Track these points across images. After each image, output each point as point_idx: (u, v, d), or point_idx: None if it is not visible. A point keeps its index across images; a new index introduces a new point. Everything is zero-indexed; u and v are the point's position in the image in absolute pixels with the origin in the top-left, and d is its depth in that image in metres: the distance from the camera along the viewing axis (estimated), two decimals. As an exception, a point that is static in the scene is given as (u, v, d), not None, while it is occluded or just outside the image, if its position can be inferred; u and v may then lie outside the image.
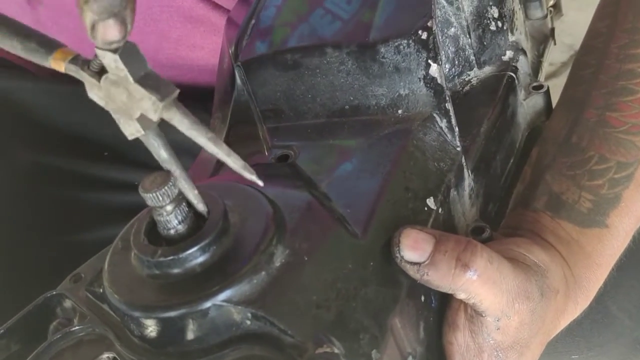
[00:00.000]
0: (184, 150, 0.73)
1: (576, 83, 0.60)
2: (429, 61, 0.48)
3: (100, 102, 0.35)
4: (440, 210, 0.47)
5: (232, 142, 0.54)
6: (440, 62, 0.48)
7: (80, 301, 0.44)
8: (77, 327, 0.43)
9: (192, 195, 0.39)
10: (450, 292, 0.43)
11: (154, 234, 0.40)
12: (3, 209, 0.68)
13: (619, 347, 0.73)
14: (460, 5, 0.55)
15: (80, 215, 0.69)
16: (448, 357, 0.46)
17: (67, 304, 0.45)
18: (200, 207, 0.39)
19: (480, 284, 0.42)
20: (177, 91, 0.34)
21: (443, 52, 0.55)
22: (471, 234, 0.50)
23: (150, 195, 0.38)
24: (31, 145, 0.72)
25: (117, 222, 0.43)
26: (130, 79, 0.33)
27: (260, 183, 0.38)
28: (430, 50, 0.48)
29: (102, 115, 0.74)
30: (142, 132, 0.35)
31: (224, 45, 0.56)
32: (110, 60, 0.33)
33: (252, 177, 0.37)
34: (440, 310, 0.47)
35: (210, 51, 0.70)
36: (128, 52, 0.33)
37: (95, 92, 0.35)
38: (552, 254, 0.49)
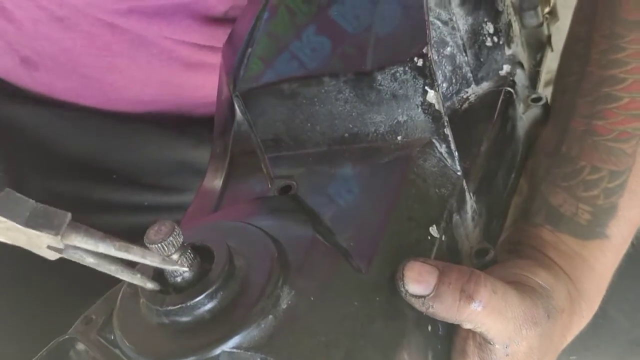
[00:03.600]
0: (191, 169, 0.74)
1: (561, 91, 0.60)
2: (426, 87, 0.48)
3: (8, 242, 0.34)
4: (443, 237, 0.48)
5: (233, 172, 0.54)
6: (437, 89, 0.48)
7: (93, 345, 0.44)
8: None
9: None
10: (456, 322, 0.44)
11: (161, 280, 0.41)
12: None
13: (616, 347, 0.74)
14: (455, 25, 0.55)
15: None
16: None
17: (80, 346, 0.45)
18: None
19: (485, 314, 0.43)
20: (69, 215, 0.34)
21: (440, 73, 0.55)
22: (475, 257, 0.51)
23: (156, 246, 0.38)
24: (40, 170, 0.73)
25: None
26: (19, 226, 0.33)
27: (185, 268, 0.39)
28: (427, 76, 0.48)
29: (109, 138, 0.74)
30: (60, 255, 0.35)
31: (222, 76, 0.56)
32: None
33: (174, 266, 0.38)
34: (448, 336, 0.47)
35: (213, 87, 0.71)
36: (5, 202, 0.33)
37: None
38: (555, 272, 0.50)
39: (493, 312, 0.43)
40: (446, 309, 0.43)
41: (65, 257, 0.36)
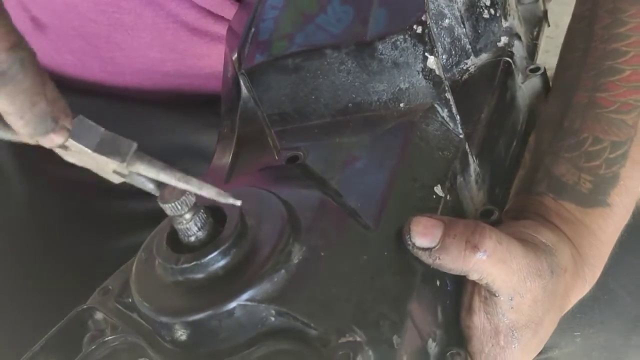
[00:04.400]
0: (196, 153, 0.75)
1: (565, 68, 0.61)
2: (426, 54, 0.50)
3: (78, 164, 0.37)
4: (448, 197, 0.49)
5: (242, 150, 0.56)
6: (436, 54, 0.50)
7: (111, 312, 0.46)
8: (110, 338, 0.45)
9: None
10: (462, 274, 0.45)
11: (175, 242, 0.42)
12: (32, 223, 0.70)
13: (620, 324, 0.74)
14: (452, -3, 0.57)
15: (108, 224, 0.71)
16: (467, 340, 0.48)
17: (98, 316, 0.47)
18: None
19: (490, 263, 0.44)
20: (135, 145, 0.37)
21: (439, 44, 0.57)
22: (480, 218, 0.52)
23: (170, 205, 0.39)
24: (47, 155, 0.74)
25: (143, 228, 0.45)
26: (88, 150, 0.35)
27: (238, 203, 0.40)
28: (426, 43, 0.49)
29: (115, 124, 0.75)
30: (124, 179, 0.38)
31: (227, 54, 0.57)
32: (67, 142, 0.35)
33: (229, 200, 0.39)
34: (456, 293, 0.49)
35: (216, 59, 0.72)
36: (78, 128, 0.35)
37: (69, 157, 0.37)
38: (558, 234, 0.51)
39: (498, 262, 0.44)
40: (452, 260, 0.44)
41: (128, 181, 0.38)
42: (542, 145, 0.58)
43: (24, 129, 0.33)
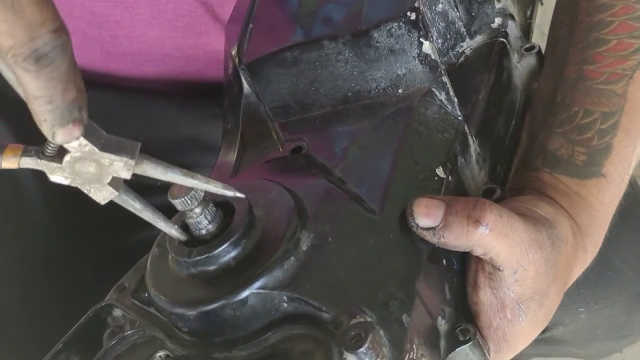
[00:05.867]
0: (200, 145, 0.76)
1: (555, 43, 0.62)
2: (421, 39, 0.51)
3: (65, 182, 0.36)
4: (450, 178, 0.50)
5: (247, 142, 0.57)
6: (431, 39, 0.51)
7: (128, 308, 0.47)
8: (129, 332, 0.46)
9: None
10: (467, 249, 0.46)
11: (187, 233, 0.43)
12: (49, 225, 0.71)
13: (623, 300, 0.75)
14: (444, -19, 0.58)
15: (122, 219, 0.72)
16: (475, 317, 0.49)
17: (117, 312, 0.48)
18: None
19: (493, 237, 0.45)
20: (139, 144, 0.37)
21: (434, 29, 0.58)
22: (483, 196, 0.53)
23: (180, 200, 0.41)
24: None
25: None
26: (96, 149, 0.35)
27: (242, 195, 0.41)
28: (421, 29, 0.50)
29: (124, 118, 0.76)
30: (116, 193, 0.38)
31: (227, 49, 0.59)
32: (73, 142, 0.35)
33: (235, 193, 0.41)
34: (463, 271, 0.50)
35: (215, 37, 0.72)
36: (86, 128, 0.34)
37: (58, 174, 0.36)
38: (556, 207, 0.52)
39: (500, 235, 0.45)
40: (456, 237, 0.45)
41: (116, 200, 0.38)
42: (536, 122, 0.59)
43: (50, 115, 0.32)
